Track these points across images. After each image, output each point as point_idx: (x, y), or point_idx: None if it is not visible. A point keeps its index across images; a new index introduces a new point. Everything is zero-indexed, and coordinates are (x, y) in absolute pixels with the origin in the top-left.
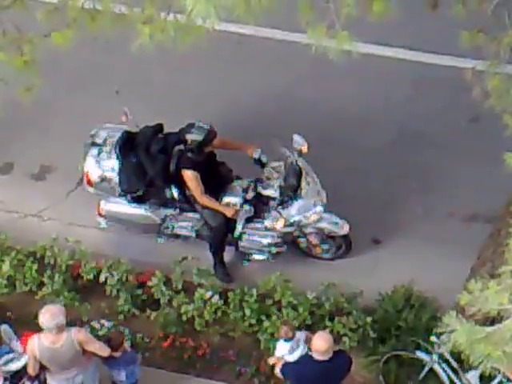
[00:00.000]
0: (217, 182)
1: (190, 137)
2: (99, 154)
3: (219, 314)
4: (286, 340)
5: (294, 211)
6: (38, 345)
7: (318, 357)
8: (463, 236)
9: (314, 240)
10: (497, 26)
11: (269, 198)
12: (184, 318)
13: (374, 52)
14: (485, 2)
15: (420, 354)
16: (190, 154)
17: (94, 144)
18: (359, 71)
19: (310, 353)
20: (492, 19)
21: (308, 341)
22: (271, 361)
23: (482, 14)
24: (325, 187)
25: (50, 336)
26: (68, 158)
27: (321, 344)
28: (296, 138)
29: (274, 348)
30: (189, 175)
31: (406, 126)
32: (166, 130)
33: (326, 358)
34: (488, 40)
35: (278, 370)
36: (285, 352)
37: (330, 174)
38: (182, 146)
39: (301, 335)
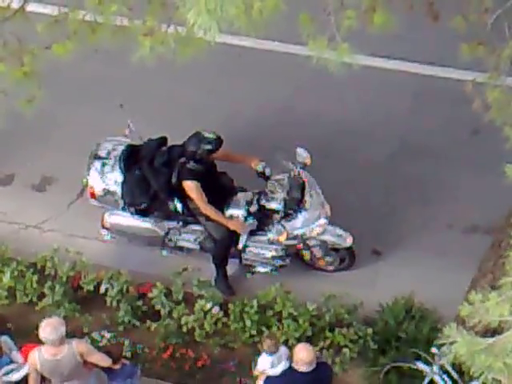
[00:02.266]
0: (219, 192)
1: (200, 147)
2: (103, 167)
3: (219, 325)
4: (268, 354)
5: (297, 224)
6: (39, 358)
7: (302, 368)
8: (463, 247)
9: (317, 252)
10: (497, 38)
11: (272, 210)
12: (184, 329)
13: (374, 64)
14: (485, 14)
15: (420, 366)
16: (190, 165)
17: (97, 157)
18: (360, 83)
19: (293, 365)
20: (492, 31)
21: (290, 357)
22: (256, 372)
23: (483, 26)
24: (326, 199)
25: (51, 349)
26: (69, 170)
27: (306, 355)
28: (299, 150)
29: (256, 363)
30: (190, 185)
31: (407, 137)
32: (168, 142)
33: (310, 369)
34: (488, 52)
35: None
36: (267, 366)
37: (330, 185)
38: (184, 159)
39: (284, 351)
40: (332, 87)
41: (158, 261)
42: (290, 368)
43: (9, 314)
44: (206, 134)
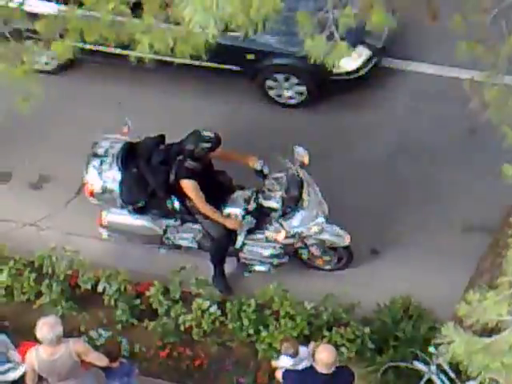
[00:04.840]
0: (217, 191)
1: (198, 145)
2: (101, 165)
3: (217, 324)
4: (288, 355)
5: (295, 223)
6: (36, 357)
7: (321, 369)
8: (461, 247)
9: (315, 251)
10: (495, 36)
11: (270, 209)
12: (182, 327)
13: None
14: (483, 13)
15: (418, 365)
16: (187, 164)
17: (95, 155)
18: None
19: (313, 364)
20: (491, 30)
21: (313, 354)
22: (274, 364)
23: (481, 25)
24: (324, 198)
25: (49, 348)
26: (67, 168)
27: (326, 356)
28: (298, 149)
29: (277, 358)
30: (187, 185)
31: (406, 136)
32: (167, 140)
33: (329, 371)
34: (486, 50)
35: (279, 375)
36: (287, 366)
37: (329, 184)
38: (181, 157)
39: (305, 352)
40: None
41: (155, 259)
42: (311, 367)
43: (6, 313)
44: (204, 133)
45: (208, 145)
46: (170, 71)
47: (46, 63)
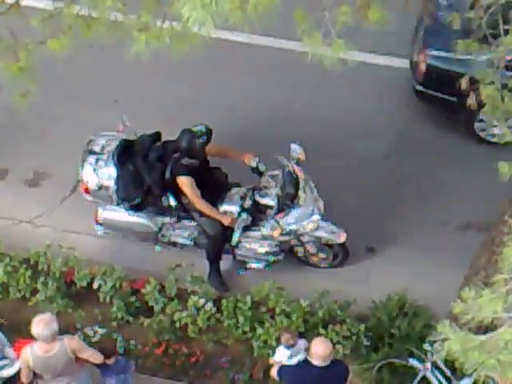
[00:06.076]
0: (213, 188)
1: (194, 142)
2: (97, 161)
3: (213, 321)
4: (286, 346)
5: (291, 220)
6: (31, 354)
7: (316, 362)
8: (457, 244)
9: (311, 249)
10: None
11: (266, 206)
12: (177, 325)
13: (371, 61)
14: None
15: (413, 362)
16: (184, 161)
17: (91, 152)
18: (355, 80)
19: (308, 358)
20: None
21: (308, 349)
22: (271, 361)
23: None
24: (320, 196)
25: (44, 345)
26: (63, 165)
27: (321, 349)
28: (293, 146)
29: (274, 352)
30: (184, 181)
31: (403, 135)
32: (163, 138)
33: (324, 364)
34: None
35: (274, 372)
36: (284, 358)
37: (325, 181)
38: (177, 154)
39: (302, 343)
40: (327, 83)
41: (151, 256)
42: (306, 360)
43: (1, 310)
44: (196, 128)
45: (203, 139)
46: (167, 67)
47: None
